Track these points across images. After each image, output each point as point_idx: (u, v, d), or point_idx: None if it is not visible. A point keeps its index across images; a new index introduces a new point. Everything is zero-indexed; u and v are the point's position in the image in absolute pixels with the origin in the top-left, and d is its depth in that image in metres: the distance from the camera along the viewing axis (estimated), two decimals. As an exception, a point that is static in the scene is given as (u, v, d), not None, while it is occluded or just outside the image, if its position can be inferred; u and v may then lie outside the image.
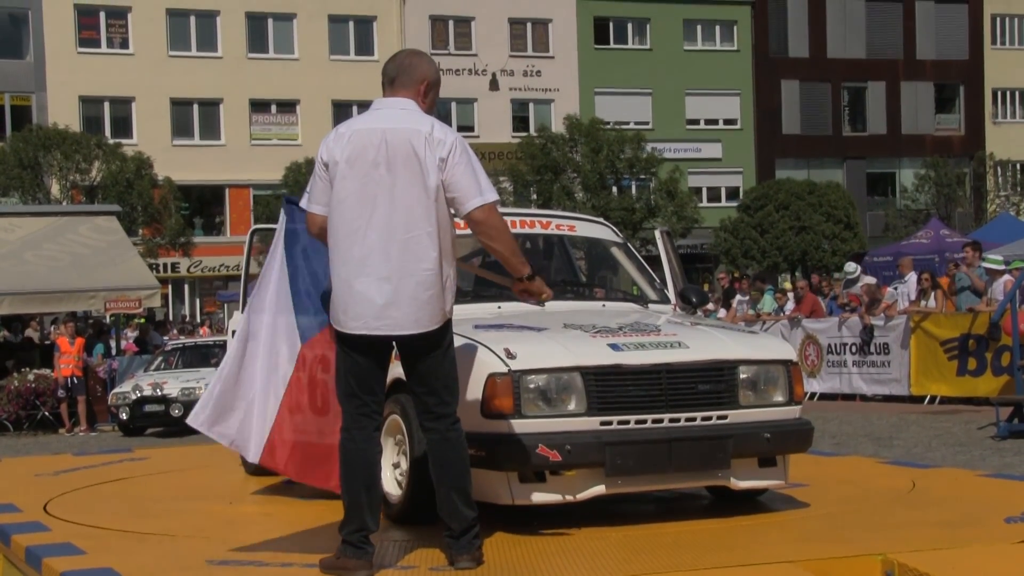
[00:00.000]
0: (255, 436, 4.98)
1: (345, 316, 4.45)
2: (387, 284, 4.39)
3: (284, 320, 5.05)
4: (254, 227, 7.34)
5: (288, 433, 5.04)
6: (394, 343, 4.53)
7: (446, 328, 4.56)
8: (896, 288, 17.06)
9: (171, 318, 36.63)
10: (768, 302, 19.10)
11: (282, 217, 5.22)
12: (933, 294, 15.67)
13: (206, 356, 19.64)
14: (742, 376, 5.35)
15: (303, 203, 4.65)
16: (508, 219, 6.68)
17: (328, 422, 5.01)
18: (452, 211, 4.52)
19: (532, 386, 5.04)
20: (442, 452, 4.55)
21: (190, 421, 5.09)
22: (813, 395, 16.79)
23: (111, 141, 37.10)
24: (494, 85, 45.08)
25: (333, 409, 4.85)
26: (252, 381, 4.99)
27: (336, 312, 4.50)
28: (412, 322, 4.43)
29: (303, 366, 5.06)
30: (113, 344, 22.65)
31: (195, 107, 42.65)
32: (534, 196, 38.21)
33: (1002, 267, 14.95)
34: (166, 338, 24.58)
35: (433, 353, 4.53)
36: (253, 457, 5.04)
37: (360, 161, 4.45)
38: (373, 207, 4.42)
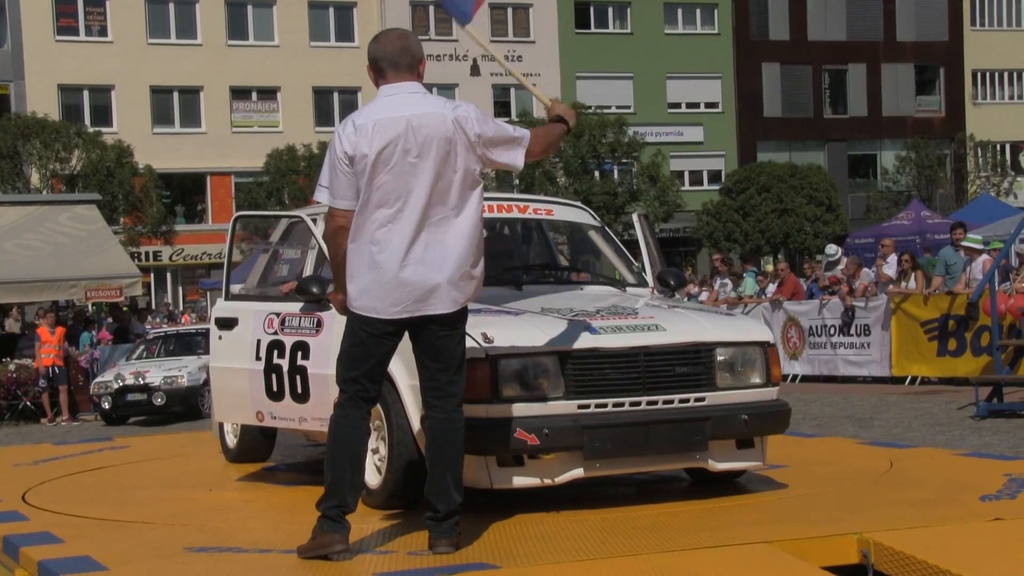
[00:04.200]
0: None
1: (383, 303, 4.45)
2: (428, 267, 4.44)
3: None
4: (237, 214, 7.30)
5: None
6: (406, 327, 4.54)
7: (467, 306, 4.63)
8: (873, 270, 17.11)
9: (153, 306, 36.49)
10: (750, 285, 19.14)
11: None
12: (913, 275, 15.72)
13: (188, 344, 19.57)
14: (719, 358, 5.37)
15: (322, 198, 4.55)
16: (485, 203, 6.75)
17: None
18: (509, 166, 4.67)
19: (510, 370, 5.05)
20: (444, 432, 4.57)
21: None
22: (795, 377, 16.85)
23: (91, 130, 36.87)
24: (475, 71, 44.90)
25: None
26: None
27: (369, 301, 4.47)
28: (454, 300, 4.50)
29: None
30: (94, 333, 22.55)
31: (175, 95, 42.41)
32: (516, 181, 38.18)
33: (981, 247, 15.00)
34: (148, 326, 24.50)
35: (456, 328, 4.58)
36: None
37: (391, 150, 4.43)
38: (408, 194, 4.43)
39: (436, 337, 4.54)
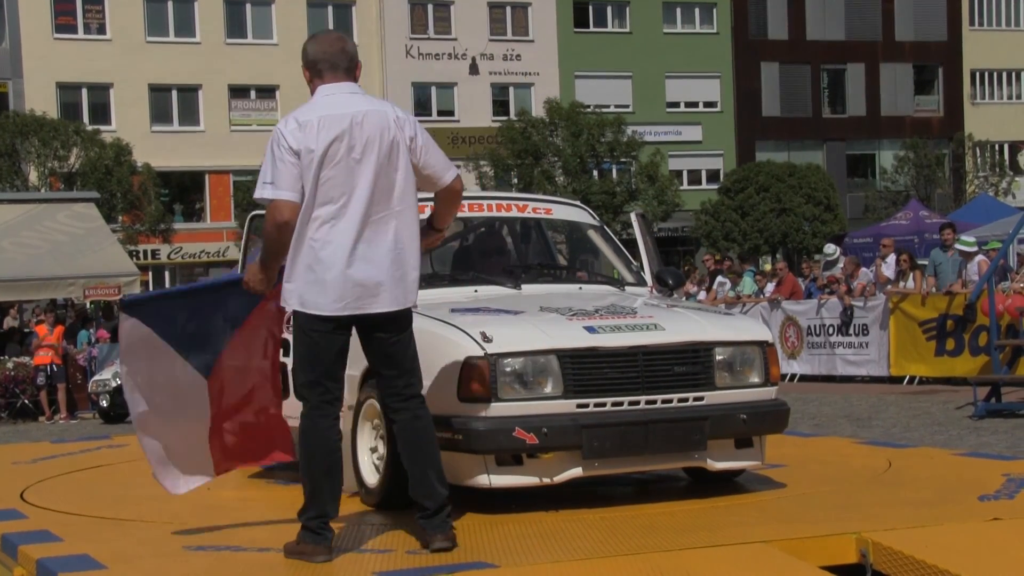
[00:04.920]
0: (202, 464, 5.17)
1: (325, 299, 4.44)
2: (371, 264, 4.44)
3: (177, 370, 5.03)
4: (252, 213, 7.31)
5: (229, 439, 5.16)
6: (354, 328, 4.54)
7: (411, 307, 4.63)
8: (872, 269, 17.13)
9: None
10: (748, 284, 19.15)
11: (127, 326, 4.96)
12: (911, 275, 15.73)
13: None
14: (718, 357, 5.37)
15: (266, 194, 4.48)
16: (485, 203, 6.75)
17: (259, 405, 5.15)
18: (427, 186, 4.66)
19: (508, 369, 5.05)
20: (415, 432, 4.58)
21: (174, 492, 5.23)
22: (794, 376, 16.85)
23: (89, 128, 36.85)
24: (474, 69, 44.96)
25: (259, 393, 5.09)
26: (175, 429, 5.08)
27: (312, 296, 4.46)
28: (396, 299, 4.50)
29: (216, 392, 5.10)
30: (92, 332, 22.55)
31: (174, 93, 42.40)
32: (515, 180, 38.18)
33: (974, 248, 15.01)
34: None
35: (403, 333, 4.59)
36: (213, 474, 5.24)
37: (336, 146, 4.45)
38: (352, 191, 4.44)
39: (387, 344, 4.55)
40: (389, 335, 4.55)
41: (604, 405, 5.14)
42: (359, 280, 4.44)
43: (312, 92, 4.63)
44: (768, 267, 24.98)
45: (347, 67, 4.63)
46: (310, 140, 4.45)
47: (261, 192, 4.51)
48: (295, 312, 4.55)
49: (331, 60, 4.61)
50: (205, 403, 5.08)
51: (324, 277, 4.43)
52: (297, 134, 4.47)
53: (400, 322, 4.56)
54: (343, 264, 4.42)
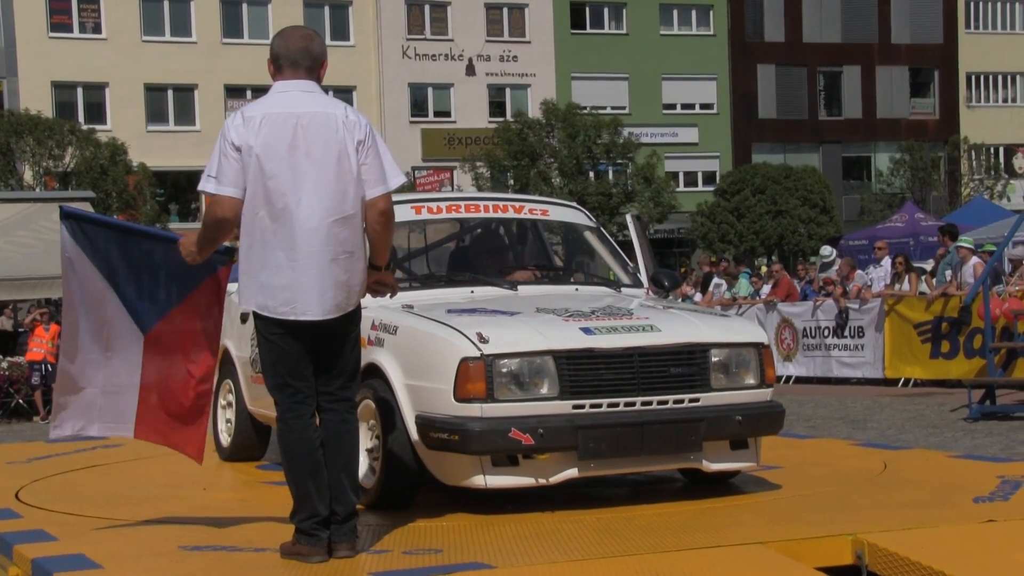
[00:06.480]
0: (124, 417, 5.10)
1: (274, 302, 4.41)
2: (316, 268, 4.38)
3: (112, 317, 5.00)
4: None
5: (156, 409, 5.12)
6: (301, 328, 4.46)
7: (359, 309, 4.59)
8: (868, 272, 17.13)
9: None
10: (744, 286, 19.16)
11: (66, 234, 4.91)
12: (907, 277, 15.76)
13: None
14: (714, 359, 5.38)
15: (208, 187, 4.43)
16: (482, 203, 6.76)
17: (193, 389, 5.09)
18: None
19: (505, 370, 5.06)
20: (339, 434, 4.54)
21: (54, 438, 5.22)
22: (789, 379, 16.86)
23: (84, 127, 36.82)
24: (470, 70, 44.97)
25: (197, 377, 5.04)
26: (95, 376, 5.03)
27: (261, 299, 4.43)
28: (339, 305, 4.45)
29: (151, 353, 5.07)
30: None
31: (169, 92, 42.38)
32: (511, 182, 38.18)
33: (973, 247, 15.03)
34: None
35: (348, 336, 4.55)
36: (128, 434, 5.18)
37: (278, 146, 4.39)
38: (297, 192, 4.38)
39: (329, 344, 4.50)
40: (333, 339, 4.50)
41: (600, 406, 5.15)
42: (305, 285, 4.38)
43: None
44: (764, 269, 25.01)
45: (309, 66, 4.58)
46: (250, 136, 4.40)
47: (204, 185, 4.46)
48: (253, 315, 4.53)
49: (292, 58, 4.56)
50: (138, 357, 5.03)
51: (272, 281, 4.39)
52: (241, 129, 4.42)
53: (346, 326, 4.52)
54: (289, 268, 4.37)
